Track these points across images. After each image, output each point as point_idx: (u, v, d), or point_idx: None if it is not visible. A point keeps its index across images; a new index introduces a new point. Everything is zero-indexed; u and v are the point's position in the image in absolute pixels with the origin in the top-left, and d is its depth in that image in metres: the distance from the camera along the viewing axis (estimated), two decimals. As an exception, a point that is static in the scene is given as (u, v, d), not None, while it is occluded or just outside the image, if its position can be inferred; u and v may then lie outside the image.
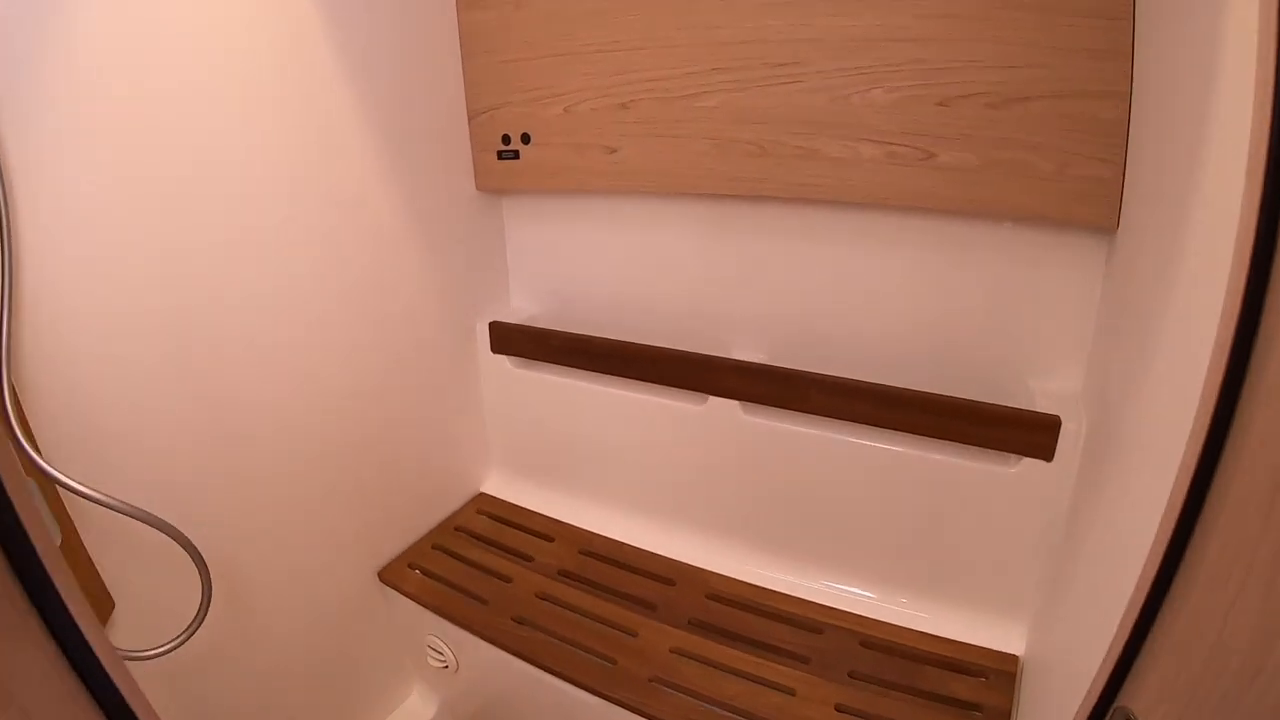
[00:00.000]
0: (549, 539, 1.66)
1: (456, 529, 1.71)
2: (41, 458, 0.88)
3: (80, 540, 1.01)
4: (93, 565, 1.03)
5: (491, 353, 1.73)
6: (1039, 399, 1.19)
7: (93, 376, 1.03)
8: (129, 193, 1.04)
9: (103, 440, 1.05)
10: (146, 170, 1.05)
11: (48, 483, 0.92)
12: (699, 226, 1.51)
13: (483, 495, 1.83)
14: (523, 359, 1.71)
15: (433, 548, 1.66)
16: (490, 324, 1.70)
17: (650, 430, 1.57)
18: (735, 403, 1.43)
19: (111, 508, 0.94)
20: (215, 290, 1.18)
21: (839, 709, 1.18)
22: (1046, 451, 1.14)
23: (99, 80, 0.98)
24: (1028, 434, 1.15)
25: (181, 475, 1.16)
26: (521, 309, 1.82)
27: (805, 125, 1.24)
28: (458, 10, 1.56)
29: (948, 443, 1.23)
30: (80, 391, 1.02)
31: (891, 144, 1.18)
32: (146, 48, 1.03)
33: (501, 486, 1.84)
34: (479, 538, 1.68)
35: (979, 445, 1.20)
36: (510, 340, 1.69)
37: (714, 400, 1.45)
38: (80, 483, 0.91)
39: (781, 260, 1.44)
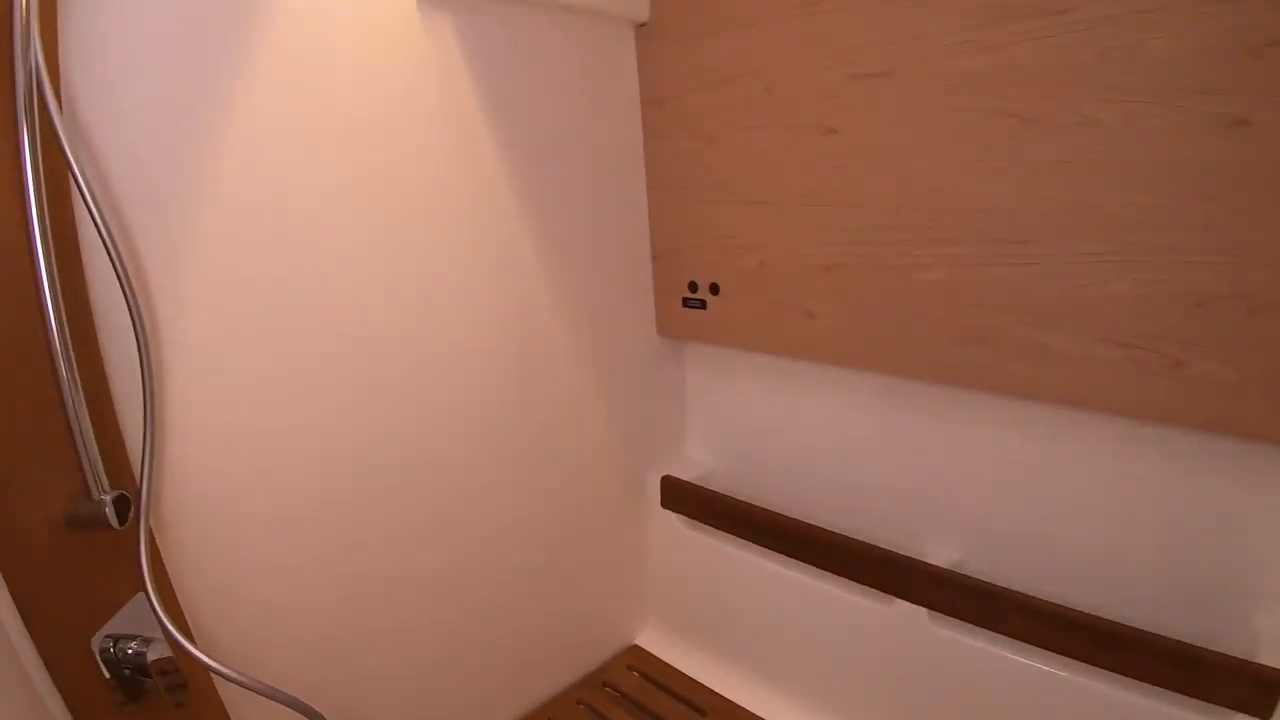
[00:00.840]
0: (701, 712, 1.52)
1: (604, 684, 1.62)
2: (192, 644, 0.87)
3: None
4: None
5: (661, 507, 1.63)
6: (1263, 642, 0.99)
7: (236, 545, 1.05)
8: (283, 366, 1.07)
9: (248, 613, 1.07)
10: (299, 344, 1.08)
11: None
12: (900, 406, 1.35)
13: (636, 648, 1.73)
14: (693, 520, 1.61)
15: (577, 703, 1.56)
16: (663, 478, 1.61)
17: (823, 620, 1.41)
18: (924, 610, 1.25)
19: (251, 689, 0.91)
20: (394, 482, 1.21)
21: None
22: (1265, 710, 0.93)
23: (247, 269, 1.01)
24: (1244, 688, 0.95)
25: (313, 646, 1.16)
26: (697, 461, 1.73)
27: (1034, 315, 1.07)
28: (645, 139, 1.51)
29: (1160, 689, 1.02)
30: (227, 567, 1.04)
31: (1134, 347, 0.99)
32: (325, 207, 1.07)
33: (656, 642, 1.73)
34: (626, 698, 1.57)
35: (1193, 696, 0.99)
36: (682, 498, 1.59)
37: (901, 604, 1.28)
38: (224, 665, 0.89)
39: (988, 453, 1.26)
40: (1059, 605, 1.10)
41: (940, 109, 1.10)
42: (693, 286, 1.50)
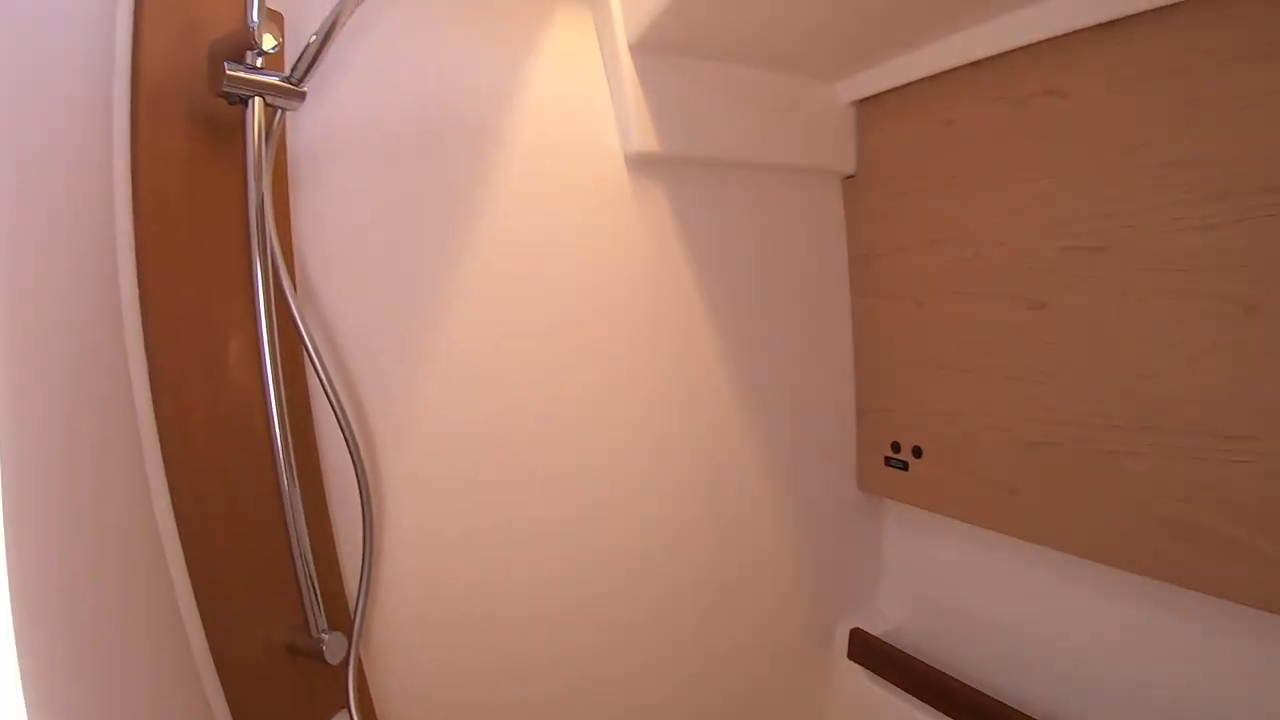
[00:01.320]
0: None
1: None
2: None
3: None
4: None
5: (847, 658, 1.59)
6: None
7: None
8: (489, 517, 1.16)
9: None
10: (505, 498, 1.18)
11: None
12: (1101, 590, 1.26)
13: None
14: (878, 676, 1.54)
15: None
16: (852, 630, 1.58)
17: None
18: None
19: None
20: (573, 621, 1.27)
21: None
22: None
23: (461, 423, 1.13)
24: None
25: None
26: (889, 617, 1.68)
27: (1245, 514, 0.99)
28: (852, 295, 1.54)
29: None
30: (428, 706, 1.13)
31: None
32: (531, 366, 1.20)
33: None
34: None
35: None
36: (869, 652, 1.56)
37: None
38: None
39: (1192, 649, 1.15)
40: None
41: (1155, 289, 1.06)
42: (895, 447, 1.49)
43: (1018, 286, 1.24)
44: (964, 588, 1.53)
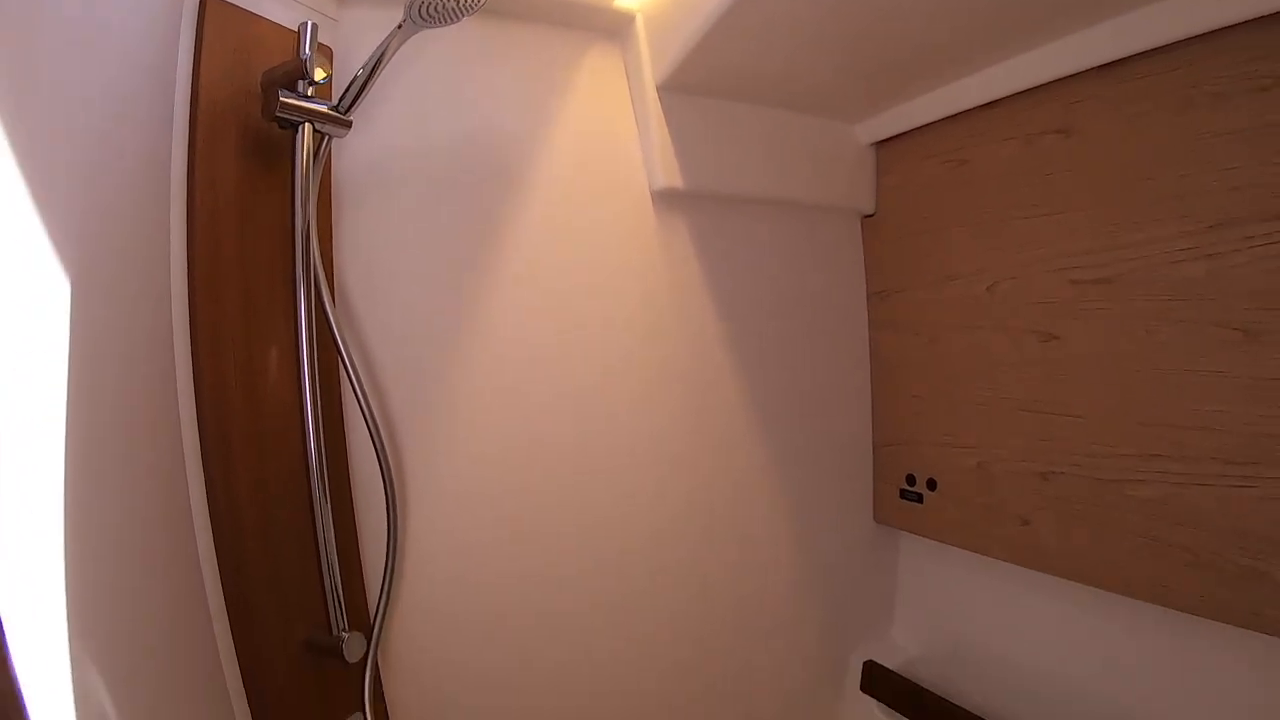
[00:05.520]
0: None
1: None
2: None
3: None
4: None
5: (860, 691, 1.58)
6: None
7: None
8: (508, 527, 1.20)
9: None
10: (525, 507, 1.21)
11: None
12: (1115, 620, 1.26)
13: None
14: (893, 710, 1.53)
15: None
16: (865, 662, 1.58)
17: None
18: None
19: None
20: (613, 649, 1.30)
21: None
22: None
23: (484, 439, 1.17)
24: None
25: None
26: (903, 649, 1.67)
27: (1255, 541, 0.99)
28: (870, 330, 1.58)
29: None
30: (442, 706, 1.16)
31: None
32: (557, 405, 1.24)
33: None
34: None
35: None
36: (883, 684, 1.56)
37: None
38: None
39: (1201, 679, 1.15)
40: None
41: (1161, 319, 1.09)
42: (910, 479, 1.50)
43: (1029, 319, 1.27)
44: (978, 619, 1.52)
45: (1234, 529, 1.01)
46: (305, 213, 0.96)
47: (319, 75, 0.97)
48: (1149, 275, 1.09)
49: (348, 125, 0.98)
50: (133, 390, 0.83)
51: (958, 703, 1.39)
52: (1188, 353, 1.05)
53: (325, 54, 1.04)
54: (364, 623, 1.04)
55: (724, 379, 1.42)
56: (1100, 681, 1.28)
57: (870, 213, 1.58)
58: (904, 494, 1.53)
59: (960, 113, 1.37)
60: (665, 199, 1.35)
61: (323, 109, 0.95)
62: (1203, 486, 1.04)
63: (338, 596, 0.99)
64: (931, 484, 1.47)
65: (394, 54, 0.94)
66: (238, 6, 0.93)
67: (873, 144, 1.57)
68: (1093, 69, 1.15)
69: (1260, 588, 0.98)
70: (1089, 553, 1.20)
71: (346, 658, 0.95)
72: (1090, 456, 1.19)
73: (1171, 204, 1.07)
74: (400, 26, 0.90)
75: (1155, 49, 1.06)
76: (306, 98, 0.94)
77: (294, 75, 0.93)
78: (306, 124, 0.95)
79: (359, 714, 1.00)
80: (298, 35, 0.97)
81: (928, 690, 1.44)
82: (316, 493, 0.97)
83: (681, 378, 1.38)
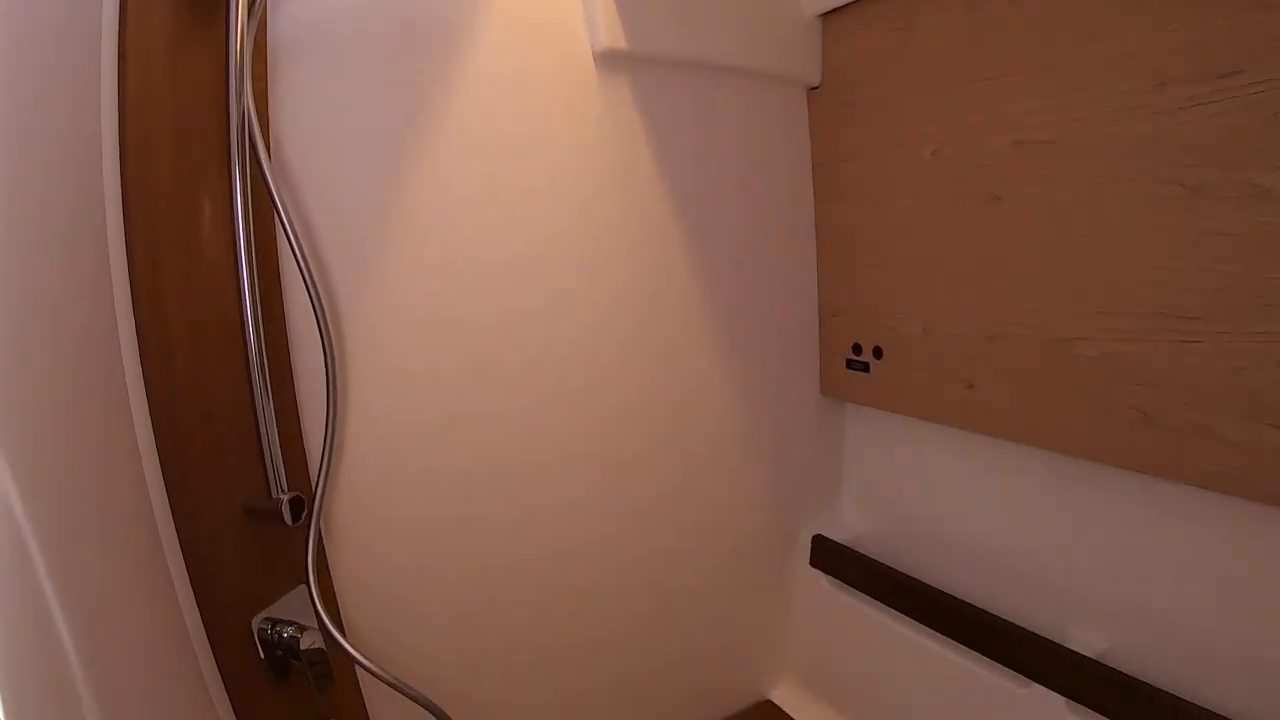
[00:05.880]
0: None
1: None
2: (343, 637, 0.96)
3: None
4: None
5: (810, 565, 1.66)
6: None
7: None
8: (453, 389, 1.20)
9: (399, 616, 1.18)
10: (468, 367, 1.21)
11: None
12: (1060, 484, 1.32)
13: (768, 704, 1.73)
14: (840, 581, 1.60)
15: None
16: (814, 537, 1.65)
17: (958, 696, 1.36)
18: (1060, 699, 1.17)
19: (392, 685, 0.97)
20: (555, 502, 1.32)
21: None
22: None
23: (424, 294, 1.15)
24: None
25: (454, 655, 1.26)
26: (850, 522, 1.75)
27: (1200, 396, 1.02)
28: (815, 202, 1.59)
29: None
30: (386, 572, 1.16)
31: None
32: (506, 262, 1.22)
33: (789, 699, 1.73)
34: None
35: None
36: (832, 558, 1.61)
37: (1037, 687, 1.21)
38: (371, 662, 0.95)
39: (1146, 537, 1.20)
40: (1211, 711, 1.00)
41: (1106, 177, 1.10)
42: (856, 349, 1.54)
43: (973, 183, 1.27)
44: (925, 490, 1.58)
45: (1181, 385, 1.03)
46: (240, 64, 0.89)
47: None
48: (1094, 134, 1.09)
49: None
50: (63, 247, 0.77)
51: (907, 572, 1.45)
52: (1132, 210, 1.06)
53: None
54: (306, 491, 1.02)
55: (667, 251, 1.40)
56: (1050, 550, 1.34)
57: (816, 84, 1.56)
58: (850, 364, 1.56)
59: (906, -21, 1.34)
60: (609, 61, 1.30)
61: (255, -42, 0.87)
62: (1150, 343, 1.06)
63: (276, 463, 0.97)
64: (878, 352, 1.50)
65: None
66: None
67: (819, 15, 1.54)
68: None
69: (1208, 445, 1.01)
70: (1035, 413, 1.23)
71: (286, 519, 0.93)
72: (1036, 316, 1.21)
73: (1115, 65, 1.06)
74: None
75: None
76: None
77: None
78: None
79: (303, 585, 0.98)
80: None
81: (876, 562, 1.50)
82: (253, 355, 0.94)
83: (627, 251, 1.35)
